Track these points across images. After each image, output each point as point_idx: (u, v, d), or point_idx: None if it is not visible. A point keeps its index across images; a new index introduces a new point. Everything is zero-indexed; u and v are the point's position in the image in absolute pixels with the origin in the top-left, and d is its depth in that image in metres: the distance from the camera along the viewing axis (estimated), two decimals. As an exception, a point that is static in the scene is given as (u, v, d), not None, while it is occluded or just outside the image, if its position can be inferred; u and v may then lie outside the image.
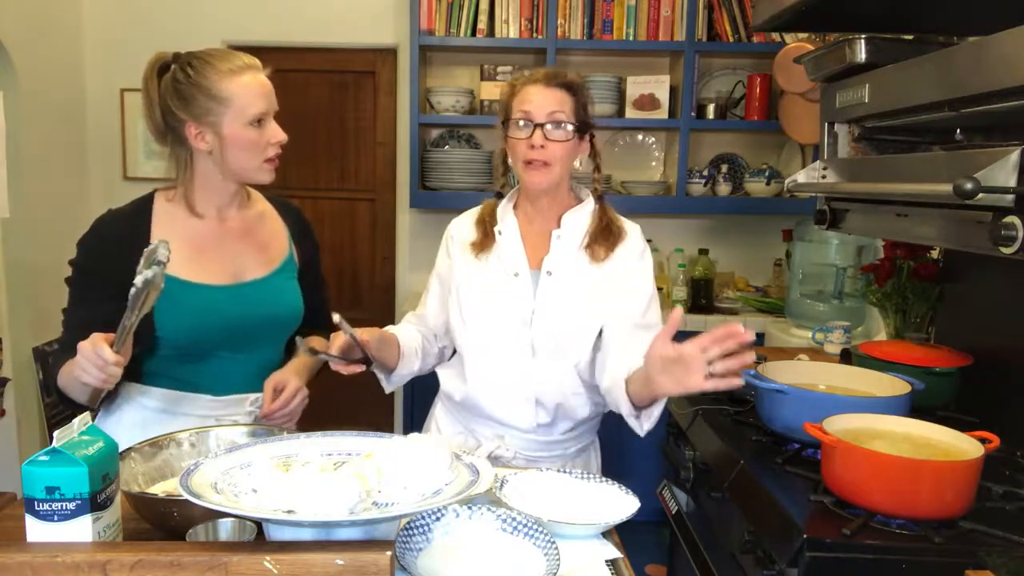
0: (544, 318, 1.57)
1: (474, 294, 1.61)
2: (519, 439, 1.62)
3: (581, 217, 1.61)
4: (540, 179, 1.54)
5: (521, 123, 1.53)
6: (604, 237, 1.59)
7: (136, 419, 1.50)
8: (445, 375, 1.70)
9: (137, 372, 1.50)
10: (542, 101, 1.52)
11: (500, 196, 1.68)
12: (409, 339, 1.65)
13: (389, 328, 1.65)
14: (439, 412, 1.75)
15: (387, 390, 1.65)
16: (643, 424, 1.45)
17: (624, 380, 1.43)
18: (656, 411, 1.44)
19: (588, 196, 1.65)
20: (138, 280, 1.19)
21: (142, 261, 1.21)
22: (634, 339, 1.50)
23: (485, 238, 1.63)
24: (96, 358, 1.22)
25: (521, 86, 1.56)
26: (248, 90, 1.44)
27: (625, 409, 1.44)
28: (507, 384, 1.59)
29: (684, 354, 1.20)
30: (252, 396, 1.53)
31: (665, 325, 1.27)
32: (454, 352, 1.72)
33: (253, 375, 1.53)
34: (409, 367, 1.64)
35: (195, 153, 1.48)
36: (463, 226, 1.70)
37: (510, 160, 1.61)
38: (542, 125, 1.51)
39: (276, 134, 1.50)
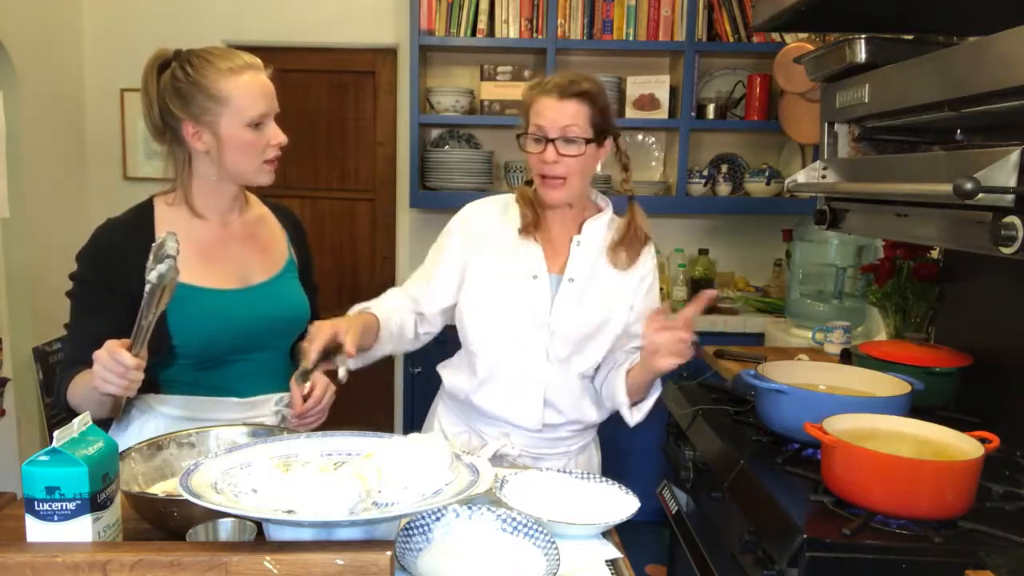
0: (562, 324, 1.56)
1: (490, 292, 1.58)
2: (525, 437, 1.62)
3: (601, 225, 1.60)
4: (557, 195, 1.53)
5: (535, 138, 1.50)
6: (631, 243, 1.59)
7: (161, 429, 1.45)
8: (449, 373, 1.69)
9: (153, 383, 1.46)
10: (555, 115, 1.49)
11: (530, 183, 1.63)
12: (389, 322, 1.58)
13: (372, 306, 1.58)
14: (441, 411, 1.74)
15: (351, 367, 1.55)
16: (634, 416, 1.54)
17: (624, 371, 1.51)
18: (647, 405, 1.54)
19: (607, 204, 1.65)
20: (152, 276, 1.16)
21: (151, 257, 1.18)
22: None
23: (530, 224, 1.58)
24: (116, 365, 1.18)
25: (535, 97, 1.52)
26: (247, 91, 1.42)
27: (620, 399, 1.52)
28: (518, 386, 1.58)
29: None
30: (276, 396, 1.52)
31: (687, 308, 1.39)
32: (433, 340, 1.71)
33: (270, 375, 1.53)
34: (381, 351, 1.59)
35: (193, 153, 1.45)
36: (486, 215, 1.63)
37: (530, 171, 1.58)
38: (554, 140, 1.48)
39: (276, 136, 1.47)
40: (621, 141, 1.62)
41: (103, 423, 1.38)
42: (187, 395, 1.47)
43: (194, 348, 1.44)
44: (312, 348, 1.35)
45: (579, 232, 1.59)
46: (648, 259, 1.64)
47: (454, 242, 1.64)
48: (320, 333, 1.37)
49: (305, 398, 1.45)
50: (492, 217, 1.63)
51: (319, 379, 1.48)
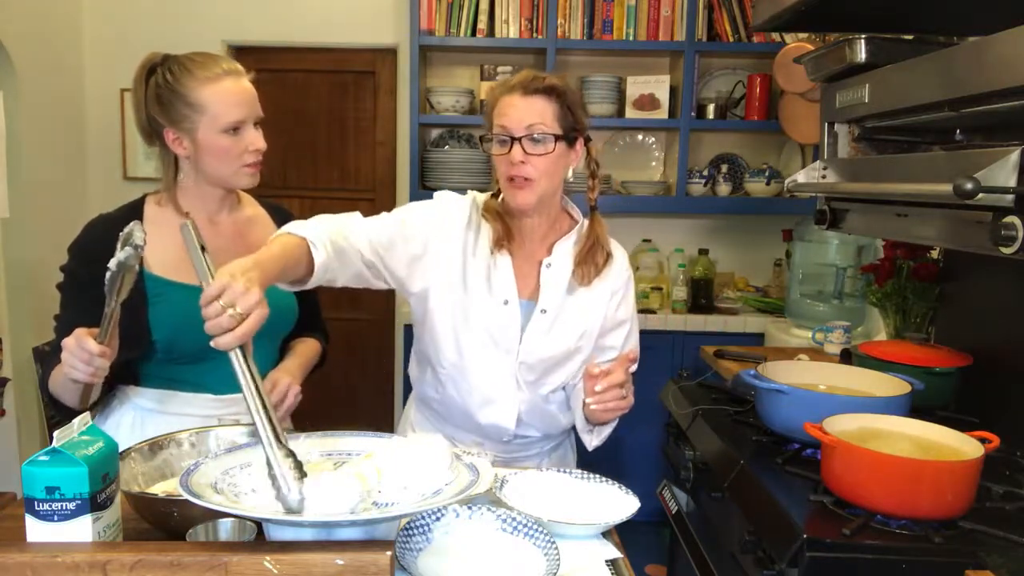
0: (532, 353, 1.51)
1: (461, 313, 1.51)
2: (497, 446, 1.60)
3: (571, 245, 1.54)
4: (524, 198, 1.44)
5: (499, 139, 1.43)
6: (589, 260, 1.52)
7: (137, 422, 1.50)
8: (420, 382, 1.66)
9: (134, 375, 1.50)
10: (519, 113, 1.41)
11: (496, 196, 1.55)
12: (325, 271, 1.33)
13: (316, 245, 1.30)
14: (415, 417, 1.71)
15: None
16: (592, 441, 1.51)
17: (582, 399, 1.42)
18: (606, 431, 1.51)
19: (579, 216, 1.57)
20: (112, 263, 1.18)
21: (118, 245, 1.20)
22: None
23: (502, 239, 1.50)
24: (81, 352, 1.22)
25: (499, 96, 1.45)
26: (225, 97, 1.43)
27: (579, 424, 1.51)
28: (488, 404, 1.55)
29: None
30: None
31: (614, 364, 1.36)
32: None
33: None
34: (299, 288, 1.38)
35: (179, 157, 1.49)
36: (466, 222, 1.52)
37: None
38: (519, 139, 1.40)
39: (254, 142, 1.47)
40: (592, 146, 1.54)
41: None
42: (162, 389, 1.50)
43: (172, 343, 1.46)
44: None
45: (549, 254, 1.53)
46: (619, 271, 1.57)
47: (436, 222, 1.50)
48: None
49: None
50: (471, 227, 1.52)
51: (282, 380, 1.48)
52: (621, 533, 1.24)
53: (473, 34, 3.34)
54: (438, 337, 1.54)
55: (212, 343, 1.02)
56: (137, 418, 1.50)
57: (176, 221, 1.50)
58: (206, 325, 1.03)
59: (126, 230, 1.21)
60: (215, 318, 1.02)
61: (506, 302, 1.50)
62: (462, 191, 1.60)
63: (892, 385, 1.55)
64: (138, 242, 1.19)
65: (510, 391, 1.53)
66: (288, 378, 1.50)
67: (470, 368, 1.53)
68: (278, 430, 1.00)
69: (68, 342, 1.23)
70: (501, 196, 1.52)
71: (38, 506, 0.93)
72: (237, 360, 1.03)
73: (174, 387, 1.50)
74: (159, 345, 1.46)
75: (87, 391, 1.35)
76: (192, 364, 1.49)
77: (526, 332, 1.51)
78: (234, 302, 1.04)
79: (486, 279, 1.50)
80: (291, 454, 0.97)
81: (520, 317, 1.51)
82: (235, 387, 1.49)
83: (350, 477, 0.98)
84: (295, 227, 1.33)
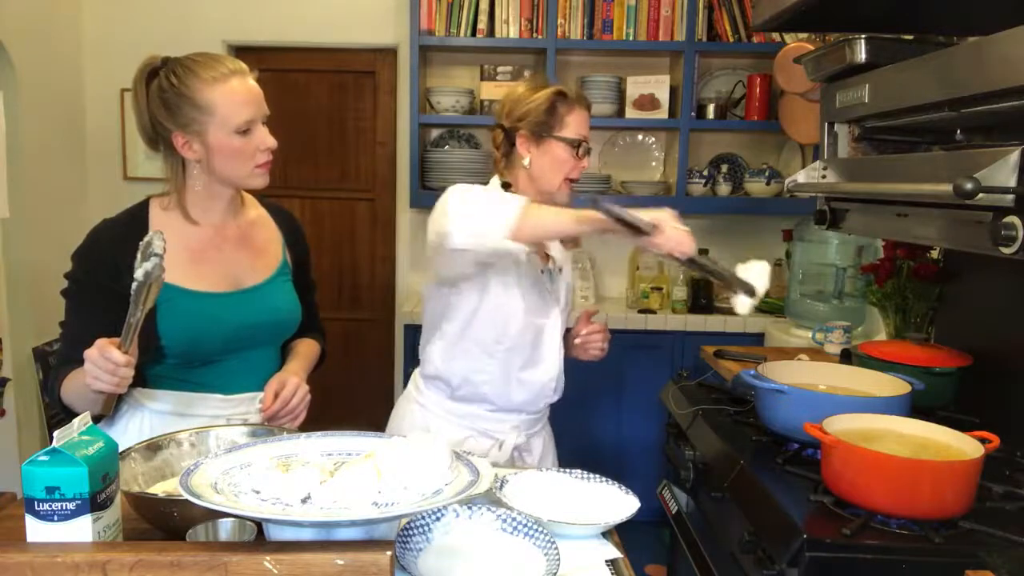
0: (567, 305, 1.74)
1: (515, 292, 1.63)
2: (528, 420, 1.73)
3: None
4: (572, 195, 1.70)
5: (586, 148, 1.65)
6: None
7: (145, 424, 1.48)
8: (464, 371, 1.67)
9: (141, 378, 1.49)
10: (587, 128, 1.66)
11: (508, 186, 1.73)
12: None
13: None
14: (434, 423, 1.74)
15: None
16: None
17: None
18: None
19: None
20: (138, 274, 1.19)
21: (138, 256, 1.20)
22: None
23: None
24: (106, 362, 1.20)
25: (578, 107, 1.64)
26: (233, 98, 1.41)
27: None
28: (538, 365, 1.68)
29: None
30: (262, 394, 1.53)
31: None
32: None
33: (258, 374, 1.53)
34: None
35: (186, 161, 1.46)
36: None
37: (537, 169, 1.66)
38: (589, 151, 1.68)
39: (265, 140, 1.46)
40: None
41: (94, 416, 1.38)
42: (171, 390, 1.49)
43: (181, 348, 1.45)
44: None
45: None
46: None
47: None
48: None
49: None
50: None
51: (290, 381, 1.49)
52: (621, 533, 1.24)
53: (473, 34, 3.34)
54: (501, 321, 1.63)
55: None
56: (146, 420, 1.49)
57: (182, 226, 1.50)
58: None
59: (145, 240, 1.21)
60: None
61: (542, 271, 1.71)
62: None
63: (892, 385, 1.55)
64: (158, 251, 1.20)
65: (556, 350, 1.71)
66: (295, 379, 1.50)
67: (529, 336, 1.66)
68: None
69: (91, 353, 1.21)
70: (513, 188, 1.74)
71: (38, 506, 0.93)
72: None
73: (183, 388, 1.49)
74: (168, 350, 1.45)
75: (109, 400, 1.33)
76: (201, 367, 1.49)
77: (556, 290, 1.73)
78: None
79: (527, 257, 1.66)
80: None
81: (551, 281, 1.73)
82: (243, 387, 1.52)
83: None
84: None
